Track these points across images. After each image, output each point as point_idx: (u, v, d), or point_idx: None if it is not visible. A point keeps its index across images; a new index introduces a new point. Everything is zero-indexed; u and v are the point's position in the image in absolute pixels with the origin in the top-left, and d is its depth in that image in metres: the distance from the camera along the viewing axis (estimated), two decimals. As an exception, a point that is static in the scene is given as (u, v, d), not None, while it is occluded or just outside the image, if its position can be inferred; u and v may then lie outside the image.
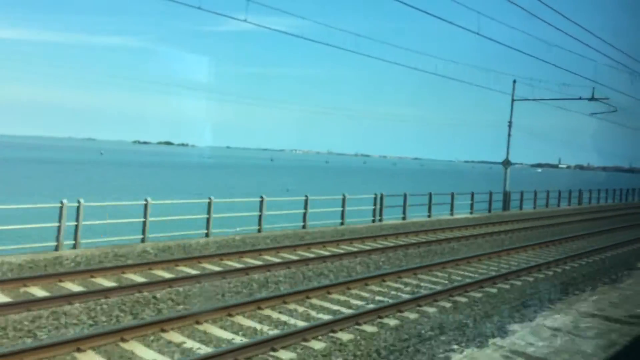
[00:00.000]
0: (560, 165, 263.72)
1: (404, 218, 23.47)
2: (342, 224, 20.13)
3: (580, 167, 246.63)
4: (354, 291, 10.34)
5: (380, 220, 21.98)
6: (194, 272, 11.08)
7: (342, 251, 14.60)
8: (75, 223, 12.86)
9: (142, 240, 14.13)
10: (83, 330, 7.41)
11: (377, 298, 9.95)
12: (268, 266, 11.92)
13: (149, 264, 11.37)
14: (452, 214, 26.07)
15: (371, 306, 9.22)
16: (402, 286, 11.00)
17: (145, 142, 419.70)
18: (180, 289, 9.67)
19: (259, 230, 17.04)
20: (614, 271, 13.52)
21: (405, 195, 23.69)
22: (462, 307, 9.54)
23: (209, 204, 15.81)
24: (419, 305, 9.44)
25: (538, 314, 8.81)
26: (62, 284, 9.60)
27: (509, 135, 30.39)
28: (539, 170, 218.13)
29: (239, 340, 7.32)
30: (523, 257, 15.36)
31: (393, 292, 10.42)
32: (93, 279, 10.07)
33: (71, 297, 8.62)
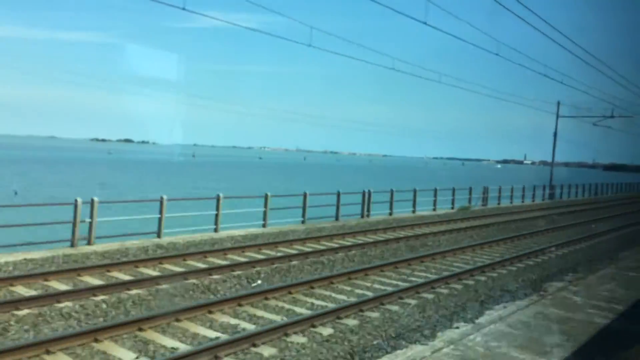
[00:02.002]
0: (525, 162, 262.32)
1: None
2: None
3: (544, 163, 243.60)
4: None
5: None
6: None
7: None
8: None
9: None
10: None
11: None
12: None
13: None
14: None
15: None
16: None
17: (103, 140, 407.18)
18: None
19: None
20: None
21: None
22: None
23: None
24: None
25: None
26: None
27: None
28: (498, 166, 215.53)
29: None
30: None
31: None
32: None
33: None
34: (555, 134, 38.04)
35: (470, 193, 28.96)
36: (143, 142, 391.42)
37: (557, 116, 37.60)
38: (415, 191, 24.49)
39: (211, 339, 7.06)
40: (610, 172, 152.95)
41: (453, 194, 27.45)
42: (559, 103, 38.01)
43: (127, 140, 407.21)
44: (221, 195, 15.71)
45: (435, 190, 25.97)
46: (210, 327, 7.60)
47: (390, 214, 22.78)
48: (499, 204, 31.47)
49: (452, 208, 26.83)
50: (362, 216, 21.23)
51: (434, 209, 25.67)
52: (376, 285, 10.60)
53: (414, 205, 24.34)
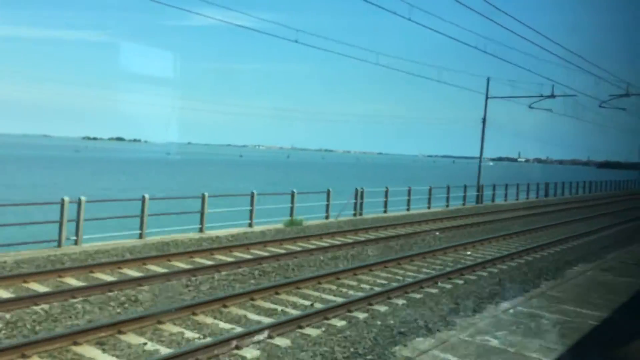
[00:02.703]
0: (519, 159, 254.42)
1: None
2: None
3: (539, 161, 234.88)
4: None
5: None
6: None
7: None
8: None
9: None
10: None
11: None
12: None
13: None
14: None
15: None
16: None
17: (94, 138, 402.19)
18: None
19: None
20: None
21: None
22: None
23: None
24: None
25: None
26: None
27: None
28: (490, 163, 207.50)
29: None
30: None
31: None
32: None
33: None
34: (484, 120, 29.20)
35: (327, 199, 20.17)
36: (135, 140, 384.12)
37: (487, 97, 28.73)
38: (203, 197, 15.86)
39: None
40: (603, 169, 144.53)
41: (292, 201, 18.72)
42: (488, 80, 29.15)
43: (119, 139, 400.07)
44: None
45: (253, 195, 17.31)
46: None
47: (141, 235, 14.22)
48: (385, 211, 22.79)
49: (291, 222, 18.20)
50: (59, 245, 12.66)
51: (250, 224, 17.07)
52: None
53: (201, 222, 15.72)
